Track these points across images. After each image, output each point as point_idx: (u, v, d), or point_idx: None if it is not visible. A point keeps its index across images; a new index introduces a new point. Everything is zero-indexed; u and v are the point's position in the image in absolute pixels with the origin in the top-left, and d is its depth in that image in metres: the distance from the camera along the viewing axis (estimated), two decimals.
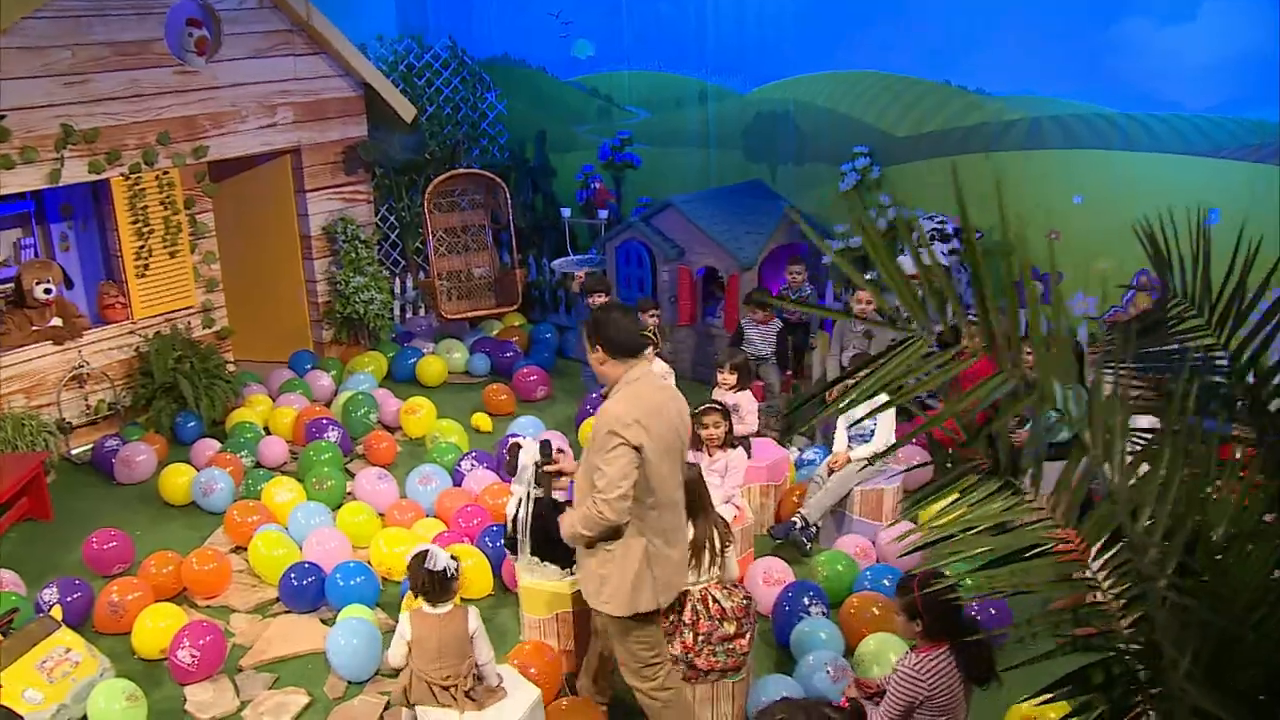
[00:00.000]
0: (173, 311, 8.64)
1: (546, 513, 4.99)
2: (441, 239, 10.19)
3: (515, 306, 10.16)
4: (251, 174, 9.49)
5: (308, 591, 5.93)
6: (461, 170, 10.16)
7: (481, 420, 8.43)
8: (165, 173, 8.39)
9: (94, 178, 7.99)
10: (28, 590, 6.08)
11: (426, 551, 4.44)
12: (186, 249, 8.64)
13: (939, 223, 8.73)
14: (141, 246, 8.32)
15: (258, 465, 7.75)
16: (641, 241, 9.38)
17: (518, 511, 5.18)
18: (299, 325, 9.88)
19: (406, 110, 9.99)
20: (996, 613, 5.47)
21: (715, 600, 4.78)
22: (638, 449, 4.04)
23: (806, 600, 5.57)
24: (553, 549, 5.11)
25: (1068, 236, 8.53)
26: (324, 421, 7.95)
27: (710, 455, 6.15)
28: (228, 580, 6.21)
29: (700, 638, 4.73)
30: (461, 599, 4.66)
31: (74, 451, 8.07)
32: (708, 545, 4.77)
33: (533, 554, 5.19)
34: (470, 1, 11.65)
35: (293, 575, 5.95)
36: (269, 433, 8.17)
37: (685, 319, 9.29)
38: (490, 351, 9.74)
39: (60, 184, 7.79)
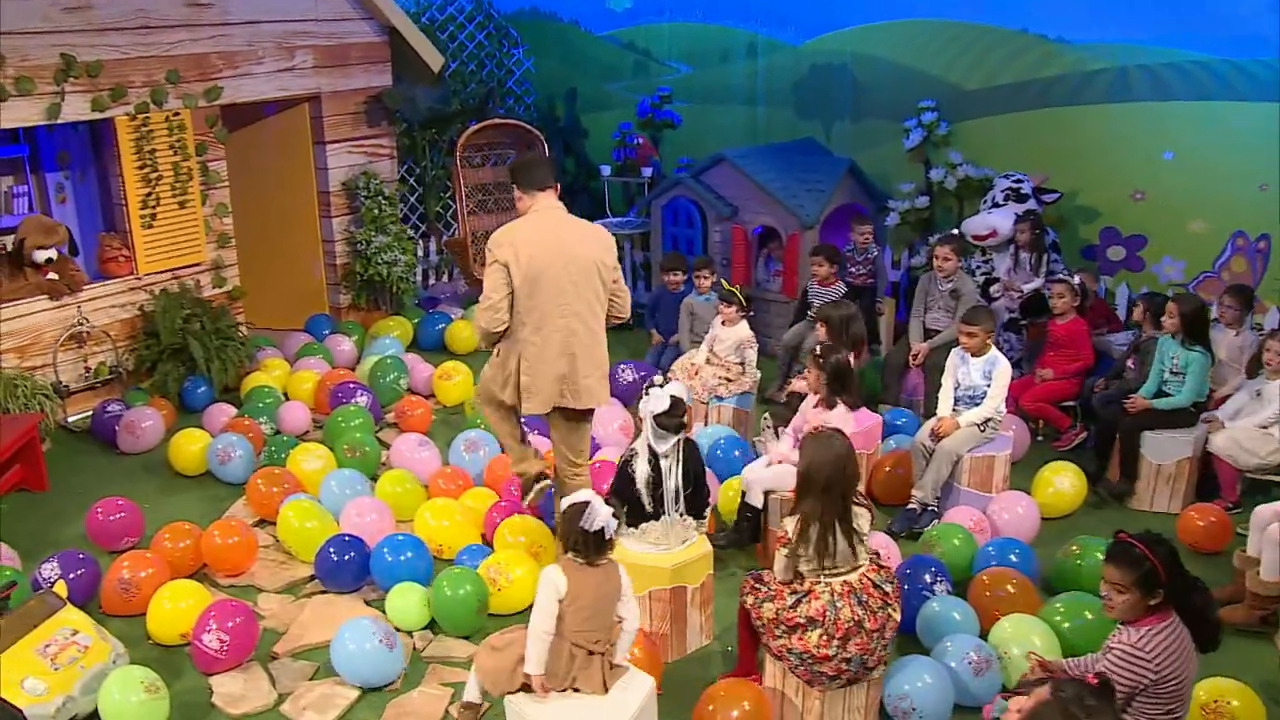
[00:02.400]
0: (181, 267, 7.86)
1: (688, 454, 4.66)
2: (471, 195, 9.40)
3: None
4: (266, 123, 8.73)
5: (349, 568, 5.17)
6: (497, 121, 9.39)
7: None
8: (175, 114, 7.60)
9: (97, 116, 7.21)
10: (23, 566, 5.32)
11: (586, 505, 3.78)
12: (198, 199, 7.85)
13: (1015, 181, 8.03)
14: (149, 194, 7.53)
15: (277, 432, 6.98)
16: (692, 199, 8.66)
17: (624, 467, 4.56)
18: (313, 288, 9.10)
19: (434, 59, 9.23)
20: None
21: (876, 585, 4.06)
22: (505, 266, 4.61)
23: (928, 577, 4.87)
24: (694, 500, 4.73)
25: (1157, 195, 7.87)
26: (351, 386, 7.19)
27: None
28: (253, 556, 5.44)
29: (837, 642, 3.98)
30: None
31: (71, 419, 7.28)
32: (826, 531, 4.04)
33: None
34: None
35: (332, 550, 5.18)
36: (288, 399, 7.39)
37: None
38: None
39: (59, 121, 7.01)
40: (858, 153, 8.95)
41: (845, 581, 4.05)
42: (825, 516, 3.98)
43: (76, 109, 7.08)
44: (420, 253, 9.94)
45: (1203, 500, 6.04)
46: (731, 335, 6.92)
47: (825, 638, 3.94)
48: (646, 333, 8.49)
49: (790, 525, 4.07)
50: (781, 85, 9.48)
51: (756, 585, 4.26)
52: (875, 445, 6.19)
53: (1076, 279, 6.90)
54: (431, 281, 10.08)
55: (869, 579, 4.10)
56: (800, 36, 9.27)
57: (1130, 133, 7.87)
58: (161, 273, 7.73)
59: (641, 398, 4.68)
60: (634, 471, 4.62)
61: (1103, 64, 7.89)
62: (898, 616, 4.13)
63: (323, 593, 5.25)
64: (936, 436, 5.81)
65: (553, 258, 4.65)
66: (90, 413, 7.27)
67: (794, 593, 4.06)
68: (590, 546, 3.77)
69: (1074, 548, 5.25)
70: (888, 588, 4.14)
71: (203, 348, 7.38)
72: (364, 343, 8.47)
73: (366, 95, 8.95)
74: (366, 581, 5.22)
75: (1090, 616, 4.62)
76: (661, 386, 4.62)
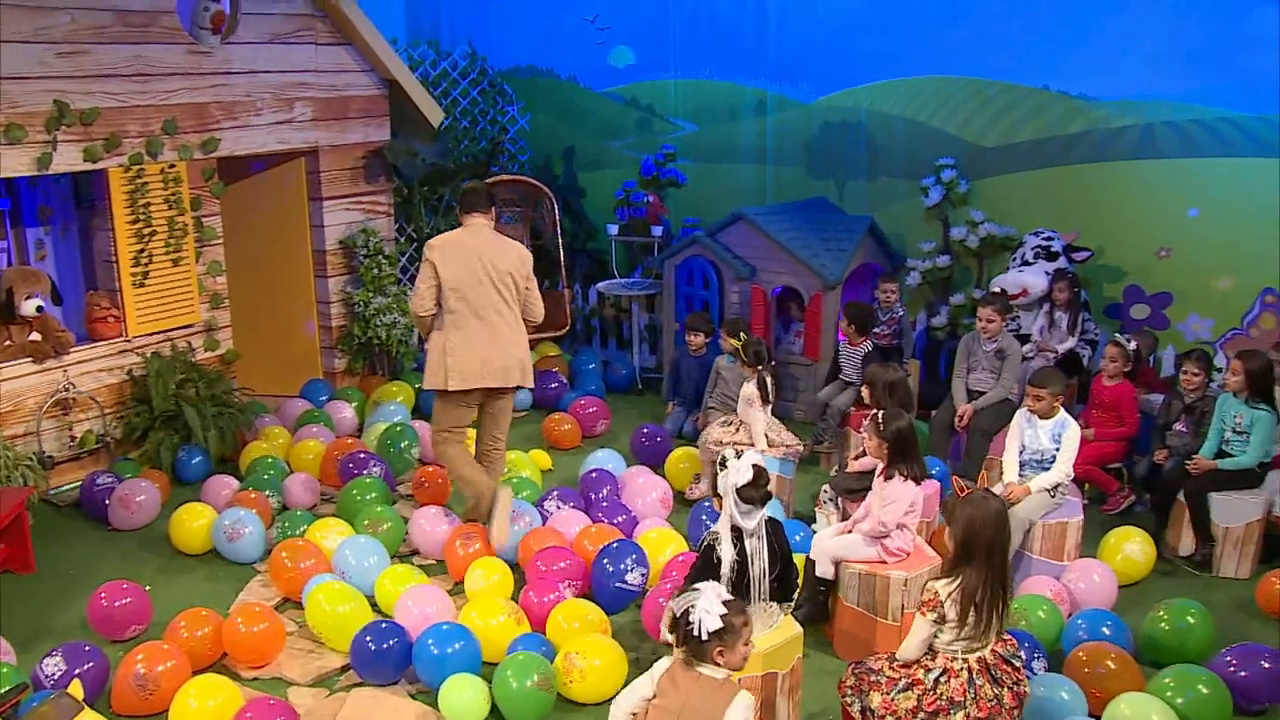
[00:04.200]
0: (173, 329, 7.35)
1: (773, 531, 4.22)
2: None
3: (564, 331, 9.01)
4: (259, 177, 8.30)
5: (389, 658, 4.68)
6: (504, 176, 9.04)
7: (541, 458, 7.23)
8: (171, 166, 7.16)
9: (89, 166, 6.75)
10: (18, 660, 4.75)
11: (694, 602, 3.32)
12: (192, 256, 7.38)
13: (1045, 239, 7.86)
14: (141, 251, 7.05)
15: (284, 507, 6.48)
16: (708, 259, 8.36)
17: (709, 551, 4.14)
18: (306, 352, 8.61)
19: (434, 114, 8.89)
20: None
21: (1006, 660, 3.72)
22: (433, 264, 5.64)
23: (1024, 654, 4.49)
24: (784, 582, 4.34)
25: (1182, 253, 7.73)
26: (362, 455, 6.71)
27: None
28: (280, 644, 4.92)
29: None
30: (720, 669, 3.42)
31: (53, 491, 6.70)
32: (984, 601, 3.71)
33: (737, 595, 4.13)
34: (489, 7, 10.64)
35: (369, 638, 4.69)
36: (290, 470, 6.88)
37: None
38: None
39: (51, 171, 6.55)
40: (873, 211, 8.74)
41: (980, 658, 3.73)
42: (989, 584, 3.65)
43: (68, 159, 6.62)
44: None
45: (1266, 564, 5.81)
46: (746, 392, 6.59)
47: None
48: (665, 401, 8.15)
49: (944, 592, 3.71)
50: (792, 143, 9.27)
51: (869, 677, 3.88)
52: (934, 513, 5.86)
53: (1133, 343, 6.68)
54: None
55: (998, 653, 3.78)
56: (812, 94, 9.09)
57: (1155, 189, 7.74)
58: (153, 334, 7.22)
59: (718, 473, 4.31)
60: (719, 557, 4.22)
61: (1127, 120, 7.78)
62: (1028, 690, 3.82)
63: (358, 684, 4.75)
64: (1007, 504, 5.49)
65: (473, 264, 5.65)
66: (76, 485, 6.70)
67: (927, 671, 3.71)
68: (680, 636, 3.36)
69: (1161, 613, 4.98)
70: (1016, 661, 3.84)
71: (199, 415, 6.87)
72: (365, 409, 7.99)
73: (365, 150, 8.57)
74: (405, 672, 4.74)
75: (1205, 691, 4.31)
76: (738, 456, 4.26)
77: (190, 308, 7.41)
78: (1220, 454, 5.98)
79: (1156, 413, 6.68)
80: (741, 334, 6.60)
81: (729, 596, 3.42)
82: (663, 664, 3.44)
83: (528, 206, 9.25)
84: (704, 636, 3.30)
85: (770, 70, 9.27)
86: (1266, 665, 4.57)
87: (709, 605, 3.29)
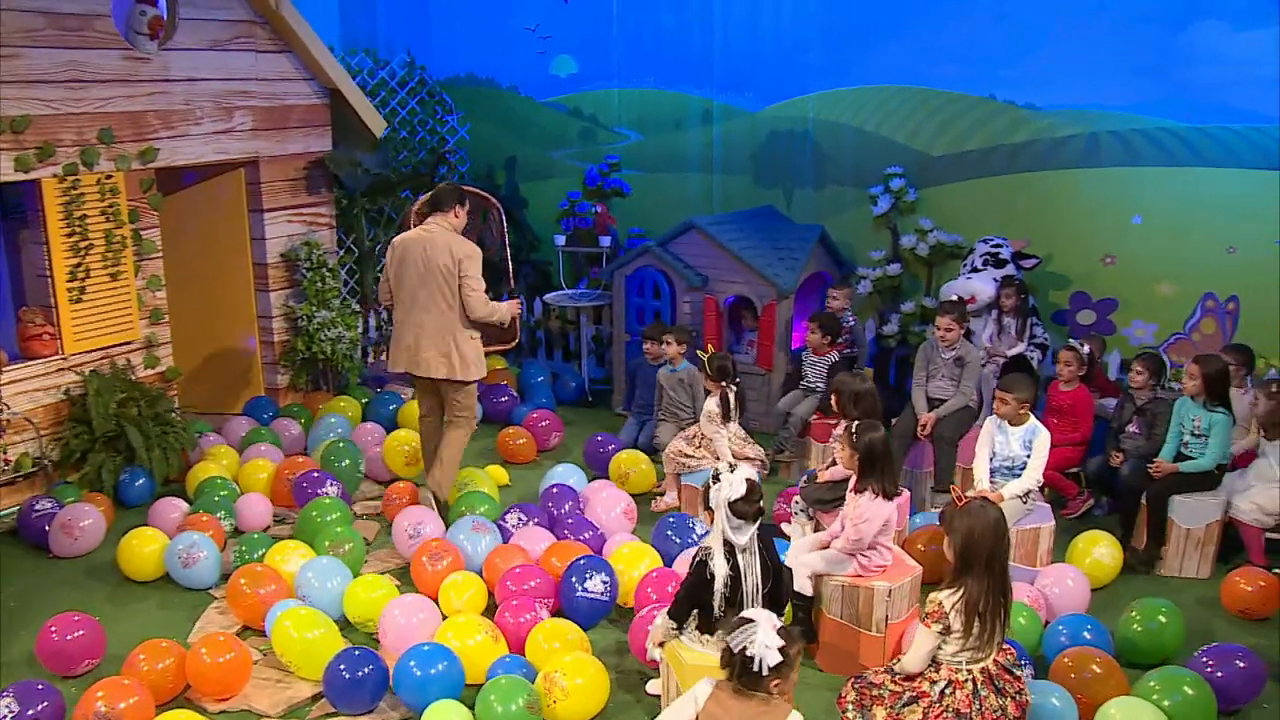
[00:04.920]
0: (112, 346, 7.03)
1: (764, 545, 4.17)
2: None
3: (514, 345, 8.82)
4: (197, 189, 8.01)
5: (365, 686, 4.49)
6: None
7: (498, 473, 7.08)
8: (108, 176, 6.86)
9: (22, 176, 6.42)
10: None
11: (752, 637, 3.22)
12: (130, 271, 7.07)
13: (994, 246, 7.95)
14: (78, 265, 6.73)
15: (237, 530, 6.23)
16: (659, 269, 8.29)
17: (701, 567, 4.05)
18: (247, 369, 8.32)
19: (377, 123, 8.69)
20: None
21: (1008, 670, 3.69)
22: (389, 258, 6.15)
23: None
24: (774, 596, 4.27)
25: (1126, 260, 7.89)
26: (316, 475, 6.48)
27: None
28: (247, 674, 4.70)
29: None
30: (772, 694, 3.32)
31: None
32: (987, 611, 3.68)
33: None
34: (428, 15, 10.45)
35: (343, 666, 4.50)
36: (241, 491, 6.62)
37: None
38: (481, 396, 8.41)
39: None
40: (821, 220, 8.76)
41: (984, 668, 3.70)
42: (991, 593, 3.62)
43: None
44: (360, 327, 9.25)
45: (1223, 563, 5.93)
46: (707, 407, 6.58)
47: None
48: (621, 412, 8.06)
49: (949, 603, 3.67)
50: (739, 152, 9.26)
51: (871, 691, 3.83)
52: (904, 523, 5.86)
53: (1086, 348, 6.77)
54: (370, 359, 9.38)
55: (1000, 663, 3.76)
56: (758, 103, 9.09)
57: (1100, 198, 7.89)
58: (90, 352, 6.89)
59: (709, 486, 4.23)
60: (712, 573, 4.13)
61: (1073, 129, 7.91)
62: (1030, 699, 3.82)
63: (332, 715, 4.55)
64: None
65: (414, 259, 6.04)
66: (12, 510, 6.36)
67: (933, 683, 3.67)
68: (736, 669, 3.27)
69: (1134, 614, 5.05)
70: (1017, 670, 3.83)
71: (142, 435, 6.58)
72: (310, 427, 7.74)
73: (306, 160, 8.33)
74: (380, 700, 4.56)
75: (1191, 692, 4.36)
76: (732, 470, 4.18)
77: (129, 324, 7.10)
78: (1180, 456, 6.08)
79: (1110, 416, 6.78)
80: (711, 347, 6.59)
81: (781, 624, 3.34)
82: (704, 687, 3.34)
83: (474, 217, 9.05)
84: (764, 672, 3.22)
85: (716, 79, 9.25)
86: (1242, 664, 4.64)
87: (768, 640, 3.21)
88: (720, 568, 4.11)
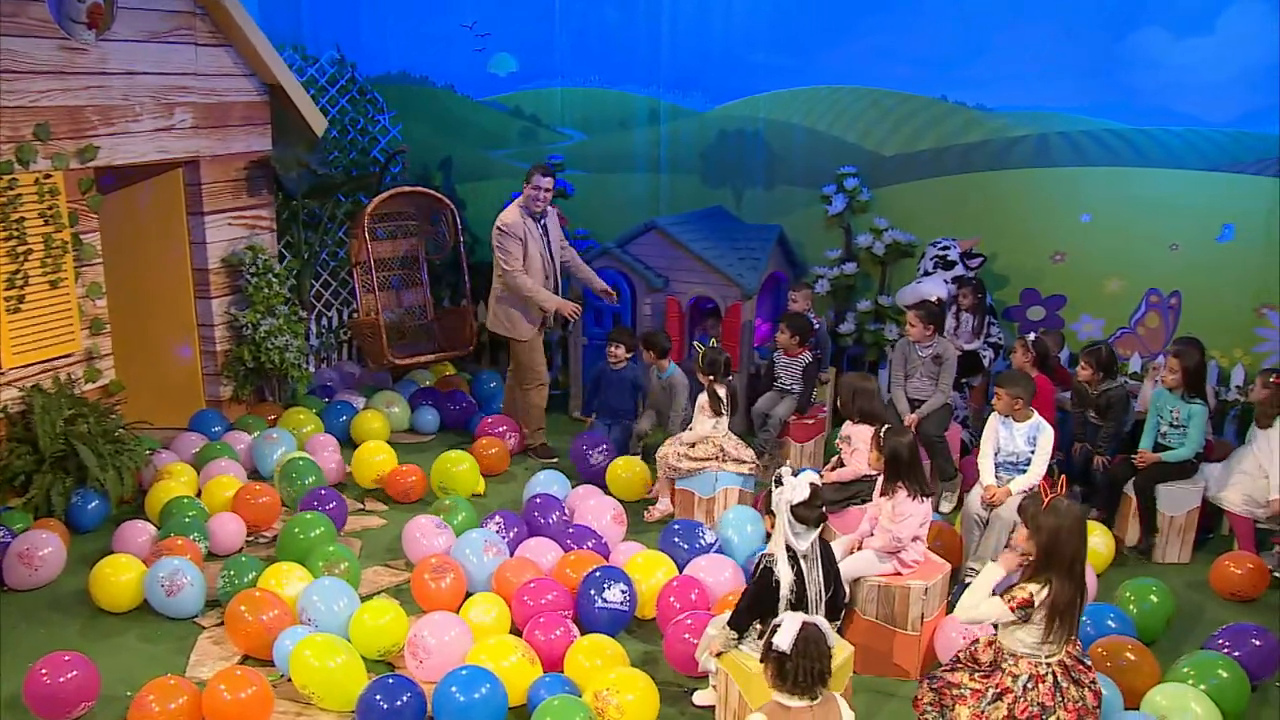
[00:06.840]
0: (52, 359, 6.52)
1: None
2: (371, 270, 8.42)
3: (469, 351, 8.57)
4: (130, 190, 7.51)
5: (403, 715, 4.23)
6: (405, 189, 8.50)
7: (474, 480, 6.82)
8: (47, 176, 6.35)
9: None
10: None
11: (782, 621, 3.11)
12: (71, 278, 6.57)
13: (942, 248, 8.06)
14: (15, 272, 6.21)
15: (210, 553, 5.83)
16: (619, 270, 8.14)
17: (766, 574, 3.95)
18: (187, 380, 7.83)
19: (319, 122, 8.30)
20: None
21: (1079, 660, 3.73)
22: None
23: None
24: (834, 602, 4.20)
25: (1076, 257, 8.11)
26: (324, 492, 6.17)
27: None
28: (270, 709, 4.38)
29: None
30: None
31: None
32: (1068, 608, 3.70)
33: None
34: (357, 10, 10.06)
35: (379, 696, 4.23)
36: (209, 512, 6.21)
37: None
38: (437, 404, 8.13)
39: None
40: (771, 220, 8.75)
41: (1060, 661, 3.72)
42: (1074, 591, 3.63)
43: None
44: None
45: (1201, 548, 6.17)
46: (699, 400, 6.54)
47: None
48: (580, 417, 7.91)
49: (1038, 598, 3.65)
50: (687, 152, 9.17)
51: (950, 690, 3.79)
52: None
53: (1032, 336, 6.88)
54: (313, 369, 8.95)
55: (1073, 655, 3.79)
56: (707, 103, 9.02)
57: (1050, 197, 8.08)
58: (30, 365, 6.37)
59: (772, 490, 4.13)
60: (778, 579, 4.03)
61: (1023, 130, 8.08)
62: (1102, 689, 3.87)
63: None
64: (989, 506, 5.56)
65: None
66: None
67: (1015, 678, 3.66)
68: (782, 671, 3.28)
69: (1128, 594, 5.28)
70: (1087, 661, 3.87)
71: (94, 454, 6.10)
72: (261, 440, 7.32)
73: (248, 161, 7.90)
74: None
75: (1225, 675, 4.49)
76: (795, 474, 4.10)
77: (70, 335, 6.59)
78: (1158, 447, 6.27)
79: (1069, 407, 6.95)
80: (713, 340, 6.58)
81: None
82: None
83: (424, 220, 8.77)
84: (785, 658, 3.30)
85: (663, 79, 9.14)
86: (1258, 643, 4.80)
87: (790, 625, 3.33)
88: (785, 574, 4.02)
